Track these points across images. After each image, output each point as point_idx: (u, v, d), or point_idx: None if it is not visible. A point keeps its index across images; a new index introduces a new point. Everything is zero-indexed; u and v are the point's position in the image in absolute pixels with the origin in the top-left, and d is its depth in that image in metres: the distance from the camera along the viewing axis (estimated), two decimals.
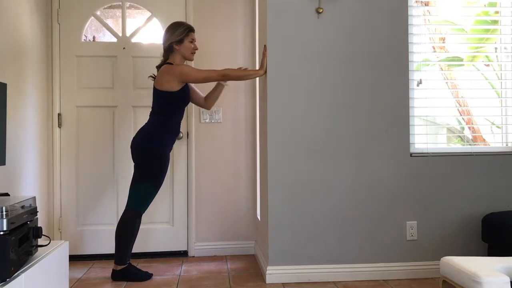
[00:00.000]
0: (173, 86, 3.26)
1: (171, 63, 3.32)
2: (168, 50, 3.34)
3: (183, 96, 3.34)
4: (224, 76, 3.31)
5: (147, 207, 3.30)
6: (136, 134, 3.35)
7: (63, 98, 3.88)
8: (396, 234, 3.30)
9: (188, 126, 3.92)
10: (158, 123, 3.31)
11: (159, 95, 3.32)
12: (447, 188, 3.35)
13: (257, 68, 3.48)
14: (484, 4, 3.78)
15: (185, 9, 3.97)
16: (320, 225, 3.24)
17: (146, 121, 3.39)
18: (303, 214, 3.23)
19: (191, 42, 3.36)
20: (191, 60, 3.46)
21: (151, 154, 3.26)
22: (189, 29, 3.37)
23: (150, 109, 3.40)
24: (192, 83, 3.34)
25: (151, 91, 3.91)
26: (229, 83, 3.51)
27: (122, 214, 3.30)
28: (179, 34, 3.32)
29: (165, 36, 3.35)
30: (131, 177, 3.84)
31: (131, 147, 3.33)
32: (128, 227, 3.25)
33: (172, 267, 3.62)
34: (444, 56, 4.09)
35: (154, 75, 3.42)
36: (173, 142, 3.42)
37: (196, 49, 3.41)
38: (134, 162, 3.33)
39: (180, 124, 3.43)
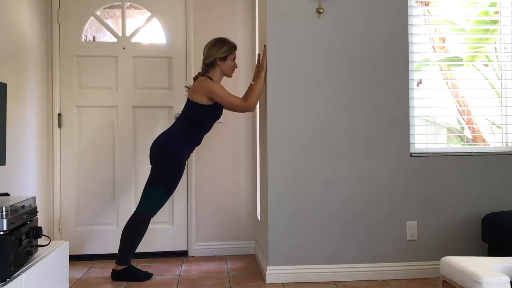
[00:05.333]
0: (202, 99, 3.25)
1: (209, 77, 3.31)
2: (210, 64, 3.32)
3: (214, 111, 3.32)
4: (247, 107, 3.27)
5: (157, 211, 3.31)
6: (158, 138, 3.33)
7: (63, 98, 3.88)
8: (396, 234, 3.30)
9: None
10: (183, 133, 3.28)
11: (189, 105, 3.31)
12: (447, 188, 3.35)
13: (257, 68, 3.46)
14: (484, 4, 3.78)
15: (185, 9, 3.97)
16: (320, 225, 3.24)
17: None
18: (303, 214, 3.23)
19: (233, 60, 3.36)
20: (230, 77, 3.43)
21: (171, 160, 3.25)
22: (234, 48, 3.36)
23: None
24: (217, 101, 3.28)
25: (151, 91, 3.92)
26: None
27: (132, 216, 3.30)
28: (225, 51, 3.31)
29: (210, 51, 3.32)
30: (131, 177, 3.84)
31: (152, 150, 3.31)
32: (136, 229, 3.25)
33: (172, 267, 3.62)
34: (444, 56, 4.09)
35: (189, 86, 3.43)
36: (192, 151, 3.43)
37: (236, 67, 3.40)
38: (151, 165, 3.32)
39: (203, 137, 3.41)
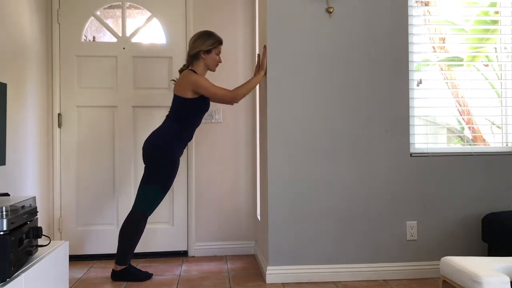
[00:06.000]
0: (187, 93, 3.25)
1: (193, 71, 3.31)
2: (194, 56, 3.32)
3: (200, 104, 3.32)
4: (235, 98, 3.28)
5: (153, 209, 3.30)
6: (150, 136, 3.34)
7: (63, 98, 3.88)
8: (396, 234, 3.30)
9: None
10: (173, 129, 3.29)
11: (175, 101, 3.32)
12: (447, 188, 3.35)
13: (257, 68, 3.47)
14: (484, 4, 3.78)
15: (185, 9, 3.97)
16: (320, 225, 3.24)
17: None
18: (303, 214, 3.23)
19: (217, 54, 3.36)
20: (213, 71, 3.43)
21: (163, 157, 3.25)
22: (219, 42, 3.36)
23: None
24: (203, 94, 3.29)
25: (151, 91, 3.91)
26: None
27: (128, 215, 3.29)
28: (209, 44, 3.31)
29: (195, 43, 3.32)
30: (131, 177, 3.84)
31: (143, 148, 3.32)
32: (133, 228, 3.24)
33: (172, 267, 3.62)
34: (444, 56, 4.09)
35: (176, 79, 3.43)
36: (185, 147, 3.42)
37: (220, 62, 3.40)
38: (144, 163, 3.33)
39: (194, 131, 3.42)
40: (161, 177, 3.26)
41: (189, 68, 3.35)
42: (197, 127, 3.42)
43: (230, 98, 3.29)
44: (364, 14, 3.28)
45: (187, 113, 3.31)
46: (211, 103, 3.40)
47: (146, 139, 3.34)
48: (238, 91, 3.29)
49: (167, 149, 3.26)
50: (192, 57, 3.34)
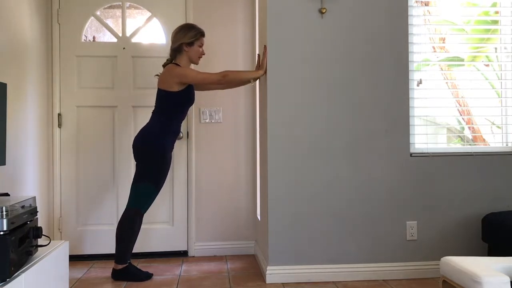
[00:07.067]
0: (173, 86, 3.26)
1: (176, 64, 3.32)
2: (177, 50, 3.34)
3: (186, 97, 3.33)
4: (224, 77, 3.31)
5: (148, 207, 3.30)
6: (138, 133, 3.36)
7: (63, 98, 3.88)
8: (396, 234, 3.30)
9: (188, 126, 3.92)
10: (159, 123, 3.31)
11: (160, 94, 3.33)
12: (447, 188, 3.35)
13: (257, 68, 3.47)
14: (484, 4, 3.78)
15: (185, 9, 3.97)
16: (320, 225, 3.24)
17: (147, 121, 3.39)
18: (303, 214, 3.23)
19: (200, 46, 3.37)
20: (197, 64, 3.45)
21: (152, 153, 3.26)
22: (201, 34, 3.37)
23: (152, 108, 3.40)
24: (191, 83, 3.34)
25: (151, 91, 3.90)
26: None
27: (123, 213, 3.30)
28: (191, 36, 3.32)
29: (176, 36, 3.34)
30: (131, 177, 3.84)
31: (133, 146, 3.33)
32: (128, 226, 3.25)
33: (172, 267, 3.62)
34: (444, 56, 4.09)
35: (159, 74, 3.42)
36: (174, 142, 3.42)
37: (203, 54, 3.41)
38: (135, 161, 3.34)
39: (181, 124, 3.44)
40: (153, 174, 3.26)
41: (173, 62, 3.36)
42: (183, 119, 3.44)
43: (220, 77, 3.30)
44: (364, 14, 3.28)
45: (174, 106, 3.32)
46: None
47: (136, 136, 3.36)
48: (227, 72, 3.32)
49: (156, 144, 3.27)
50: (175, 51, 3.35)
